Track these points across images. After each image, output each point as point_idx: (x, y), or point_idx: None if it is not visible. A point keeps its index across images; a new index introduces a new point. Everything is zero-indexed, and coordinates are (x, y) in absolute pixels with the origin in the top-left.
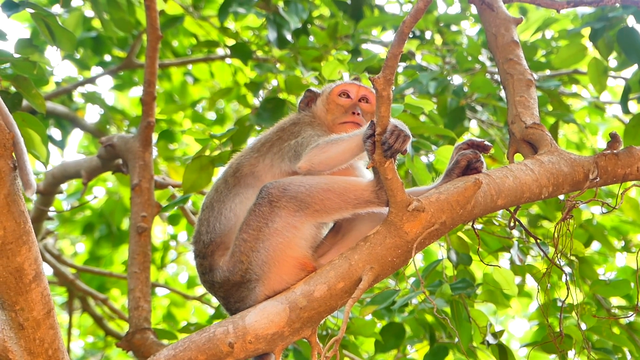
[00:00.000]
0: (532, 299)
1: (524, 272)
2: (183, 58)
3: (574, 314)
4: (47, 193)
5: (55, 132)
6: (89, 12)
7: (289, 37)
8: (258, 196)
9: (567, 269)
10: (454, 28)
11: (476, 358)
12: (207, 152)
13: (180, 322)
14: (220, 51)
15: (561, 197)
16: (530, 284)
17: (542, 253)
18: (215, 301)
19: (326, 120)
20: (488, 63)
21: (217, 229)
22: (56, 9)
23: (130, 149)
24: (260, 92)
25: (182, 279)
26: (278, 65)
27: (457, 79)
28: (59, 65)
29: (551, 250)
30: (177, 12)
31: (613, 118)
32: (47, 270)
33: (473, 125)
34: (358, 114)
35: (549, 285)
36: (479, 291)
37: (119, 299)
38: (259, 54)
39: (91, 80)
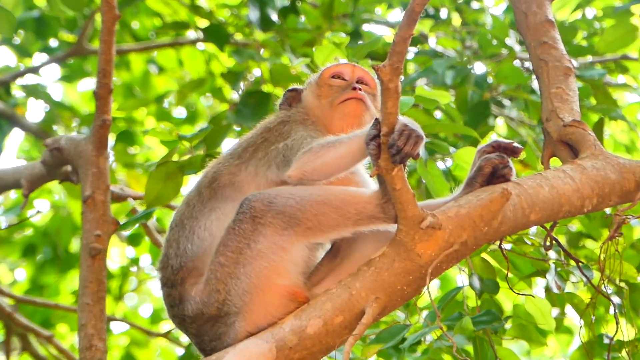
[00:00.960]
0: (574, 335)
1: (563, 302)
2: (145, 43)
3: (624, 353)
4: None
5: None
6: None
7: (274, 17)
8: (238, 211)
9: (616, 299)
10: (475, 5)
11: None
12: (175, 157)
13: None
14: (191, 34)
15: (608, 210)
16: (571, 316)
17: (585, 279)
18: (185, 339)
19: (321, 108)
20: (517, 47)
21: (188, 252)
22: None
23: (82, 153)
24: (240, 83)
25: (144, 313)
26: (261, 51)
27: (479, 67)
28: None
29: (596, 275)
30: None
31: None
32: None
33: (499, 123)
34: (360, 89)
35: (593, 318)
36: (508, 325)
37: (67, 336)
38: (238, 37)
39: (33, 70)
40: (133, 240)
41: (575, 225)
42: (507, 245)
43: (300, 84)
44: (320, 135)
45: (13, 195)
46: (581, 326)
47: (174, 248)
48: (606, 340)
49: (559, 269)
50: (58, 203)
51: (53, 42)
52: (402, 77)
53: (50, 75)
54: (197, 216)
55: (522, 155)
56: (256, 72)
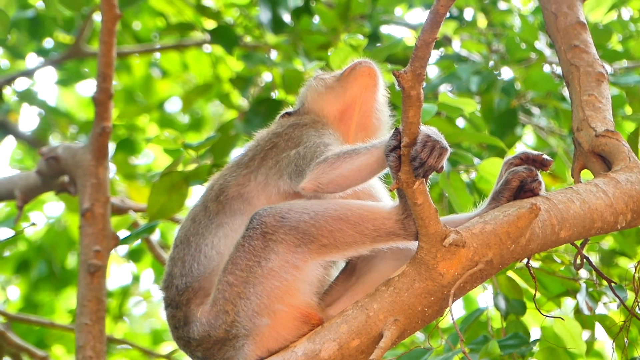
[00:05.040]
0: (606, 359)
1: (594, 324)
2: (148, 44)
3: None
4: None
5: None
6: None
7: (286, 18)
8: (248, 226)
9: None
10: (502, 6)
11: None
12: (180, 167)
13: None
14: (196, 36)
15: None
16: (603, 340)
17: (618, 300)
18: None
19: (327, 91)
20: (547, 52)
21: (194, 271)
22: None
23: (80, 163)
24: (250, 89)
25: (145, 332)
26: (273, 54)
27: (506, 73)
28: None
29: (630, 296)
30: None
31: None
32: None
33: (527, 132)
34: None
35: (626, 341)
36: (535, 349)
37: (63, 358)
38: (248, 40)
39: (27, 73)
40: (134, 256)
41: (608, 243)
42: (535, 264)
43: None
44: (333, 139)
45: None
46: (613, 350)
47: (179, 267)
48: None
49: (590, 289)
50: (54, 216)
51: (48, 43)
52: (424, 84)
53: (45, 79)
54: (204, 233)
55: (552, 167)
56: (267, 77)
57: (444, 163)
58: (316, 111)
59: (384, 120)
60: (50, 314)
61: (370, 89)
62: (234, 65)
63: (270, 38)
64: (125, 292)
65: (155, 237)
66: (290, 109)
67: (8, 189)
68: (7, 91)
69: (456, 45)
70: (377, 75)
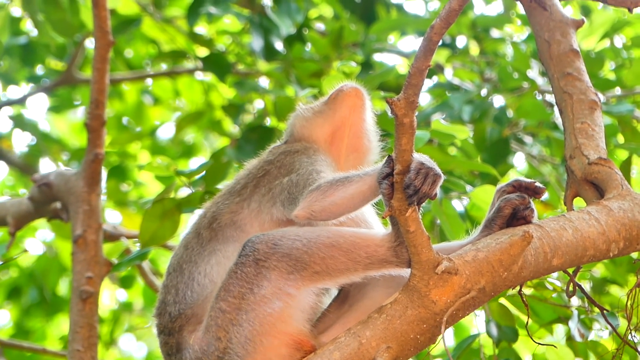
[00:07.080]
0: None
1: (587, 351)
2: (140, 71)
3: None
4: None
5: None
6: (17, 11)
7: (279, 45)
8: (241, 253)
9: None
10: (495, 34)
11: None
12: (172, 194)
13: None
14: (189, 63)
15: (635, 255)
16: None
17: (610, 327)
18: None
19: (314, 117)
20: (540, 80)
21: (187, 298)
22: None
23: (72, 190)
24: (241, 117)
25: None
26: (265, 82)
27: (499, 101)
28: None
29: (622, 323)
30: (133, 13)
31: None
32: None
33: (520, 161)
34: None
35: None
36: None
37: None
38: (240, 67)
39: (20, 100)
40: (126, 283)
41: (599, 270)
42: (527, 291)
43: None
44: (325, 165)
45: None
46: None
47: (172, 294)
48: None
49: (582, 317)
50: (46, 242)
51: (40, 70)
52: (417, 112)
53: (37, 106)
54: (196, 260)
55: (545, 195)
56: (259, 104)
57: (437, 190)
58: (306, 137)
59: (374, 141)
60: (41, 340)
61: (358, 109)
62: (226, 92)
63: (263, 65)
64: (116, 319)
65: (147, 264)
66: (278, 143)
67: (0, 215)
68: None
69: (448, 74)
70: (364, 96)
